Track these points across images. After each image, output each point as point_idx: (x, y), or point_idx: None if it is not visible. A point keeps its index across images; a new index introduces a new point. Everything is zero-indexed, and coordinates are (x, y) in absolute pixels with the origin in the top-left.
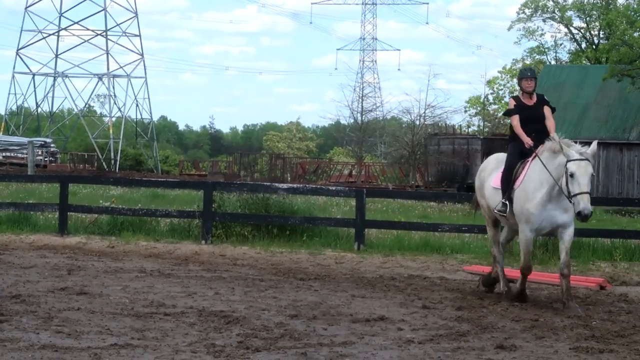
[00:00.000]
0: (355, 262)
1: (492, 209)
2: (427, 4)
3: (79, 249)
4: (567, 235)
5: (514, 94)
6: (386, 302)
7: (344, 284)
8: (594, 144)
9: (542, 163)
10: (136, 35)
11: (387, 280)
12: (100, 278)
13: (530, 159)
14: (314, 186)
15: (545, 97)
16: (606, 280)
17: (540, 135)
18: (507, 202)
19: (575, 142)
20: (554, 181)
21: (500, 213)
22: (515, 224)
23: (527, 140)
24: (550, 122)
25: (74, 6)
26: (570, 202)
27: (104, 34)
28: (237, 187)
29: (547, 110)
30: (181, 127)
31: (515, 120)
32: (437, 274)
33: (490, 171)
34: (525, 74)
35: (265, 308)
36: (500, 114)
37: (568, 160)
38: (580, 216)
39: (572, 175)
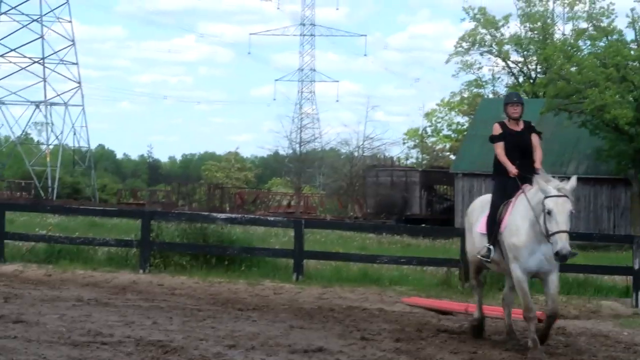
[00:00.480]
0: (293, 293)
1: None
2: (365, 36)
3: (15, 277)
4: (552, 280)
5: (499, 120)
6: (324, 333)
7: (283, 315)
8: (573, 179)
9: (527, 199)
10: (74, 64)
11: (325, 311)
12: (37, 306)
13: (514, 197)
14: (252, 216)
15: (532, 124)
16: (544, 313)
17: (526, 165)
18: (491, 247)
19: (554, 177)
20: (535, 219)
21: (484, 259)
22: (507, 268)
23: (512, 169)
24: (537, 152)
25: (11, 33)
26: (548, 241)
27: (42, 61)
28: (175, 216)
29: (535, 138)
30: (119, 155)
31: (500, 147)
32: (375, 306)
33: (476, 217)
34: (511, 99)
35: (203, 338)
36: (438, 146)
37: (545, 197)
38: (558, 256)
39: (549, 213)
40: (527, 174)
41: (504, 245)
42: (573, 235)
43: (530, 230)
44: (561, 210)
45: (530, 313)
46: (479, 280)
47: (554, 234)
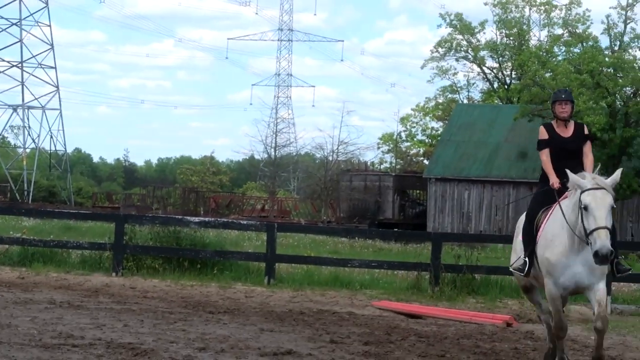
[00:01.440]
0: (265, 296)
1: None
2: (342, 41)
3: None
4: (598, 293)
5: (546, 121)
6: (294, 336)
7: (253, 318)
8: (617, 172)
9: (560, 207)
10: (52, 67)
11: (296, 315)
12: (9, 309)
13: (554, 204)
14: (226, 220)
15: (586, 128)
16: (513, 317)
17: (573, 171)
18: (526, 260)
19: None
20: (571, 229)
21: (518, 272)
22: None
23: (555, 180)
24: (588, 160)
25: None
26: (587, 243)
27: (20, 65)
28: (149, 220)
29: (586, 145)
30: (95, 159)
31: (545, 155)
32: (345, 309)
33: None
34: (559, 96)
35: (174, 341)
36: (412, 151)
37: (582, 192)
38: (598, 257)
39: (585, 208)
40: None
41: (538, 257)
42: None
43: (565, 241)
44: (600, 205)
45: (561, 332)
46: (534, 300)
47: (591, 232)
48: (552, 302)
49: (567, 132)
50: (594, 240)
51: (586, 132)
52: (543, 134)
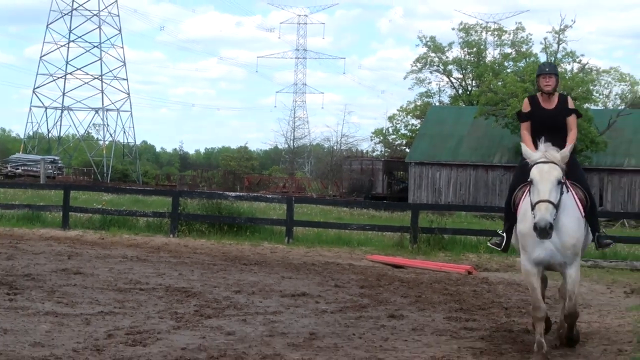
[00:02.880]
0: (285, 252)
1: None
2: (344, 58)
3: (77, 240)
4: (569, 275)
5: (531, 94)
6: (307, 282)
7: (276, 268)
8: (569, 146)
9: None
10: (124, 79)
11: (308, 266)
12: (92, 262)
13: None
14: (255, 194)
15: (571, 100)
16: (472, 267)
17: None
18: (504, 235)
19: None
20: None
21: (495, 247)
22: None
23: (531, 155)
24: (571, 134)
25: (78, 56)
26: (533, 216)
27: (100, 77)
28: (197, 194)
29: (571, 118)
30: (158, 149)
31: (525, 128)
32: (346, 262)
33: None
34: (543, 70)
35: (216, 285)
36: (397, 142)
37: (531, 165)
38: (536, 230)
39: (532, 182)
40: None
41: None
42: (496, 209)
43: None
44: (545, 179)
45: (537, 313)
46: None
47: (534, 205)
48: (527, 279)
49: (551, 104)
50: (535, 213)
51: (571, 105)
52: (525, 106)
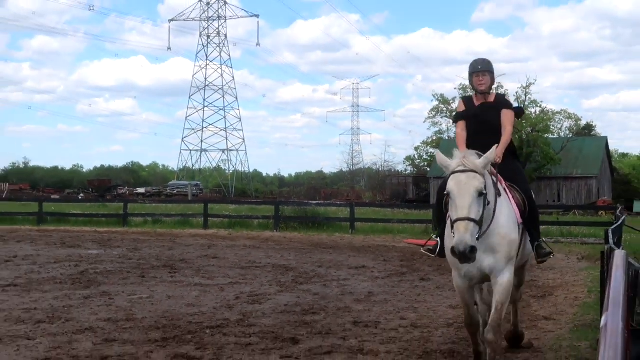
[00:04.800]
0: (350, 239)
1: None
2: (384, 110)
3: (213, 236)
4: (499, 284)
5: (467, 95)
6: (365, 258)
7: (344, 250)
8: (492, 150)
9: None
10: (240, 130)
11: (365, 248)
12: (224, 250)
13: None
14: (329, 202)
15: (507, 98)
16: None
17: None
18: (438, 240)
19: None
20: None
21: (429, 253)
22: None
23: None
24: (506, 133)
25: (210, 116)
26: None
27: (225, 129)
28: (291, 203)
29: (505, 115)
30: (264, 174)
31: (460, 127)
32: (390, 244)
33: None
34: (476, 68)
35: (305, 262)
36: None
37: (448, 175)
38: (454, 254)
39: (449, 195)
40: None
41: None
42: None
43: None
44: (463, 192)
45: (471, 328)
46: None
47: (452, 223)
48: (460, 295)
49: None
50: (454, 233)
51: (508, 101)
52: (460, 107)
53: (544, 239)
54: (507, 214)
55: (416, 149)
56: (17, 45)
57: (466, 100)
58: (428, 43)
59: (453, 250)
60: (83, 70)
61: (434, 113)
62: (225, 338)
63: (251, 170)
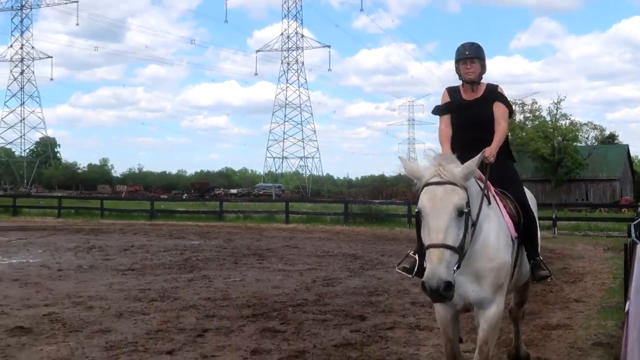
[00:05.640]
0: (407, 232)
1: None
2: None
3: (293, 229)
4: (484, 319)
5: (453, 86)
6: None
7: (403, 241)
8: (478, 156)
9: None
10: (315, 140)
11: None
12: (302, 241)
13: None
14: (390, 200)
15: (500, 89)
16: None
17: (478, 150)
18: (416, 257)
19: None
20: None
21: (405, 272)
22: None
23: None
24: (499, 130)
25: (289, 129)
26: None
27: (302, 140)
28: (358, 201)
29: (499, 108)
30: (335, 177)
31: (443, 123)
32: None
33: None
34: (463, 54)
35: (371, 252)
36: None
37: (420, 188)
38: (426, 291)
39: (420, 214)
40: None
41: None
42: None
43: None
44: (439, 209)
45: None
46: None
47: (424, 250)
48: (441, 326)
49: (474, 95)
50: (426, 263)
51: (500, 93)
52: (444, 98)
53: (540, 260)
54: (496, 230)
55: None
56: (133, 73)
57: (452, 91)
58: None
59: (424, 285)
60: (186, 93)
61: None
62: (304, 315)
63: (324, 174)
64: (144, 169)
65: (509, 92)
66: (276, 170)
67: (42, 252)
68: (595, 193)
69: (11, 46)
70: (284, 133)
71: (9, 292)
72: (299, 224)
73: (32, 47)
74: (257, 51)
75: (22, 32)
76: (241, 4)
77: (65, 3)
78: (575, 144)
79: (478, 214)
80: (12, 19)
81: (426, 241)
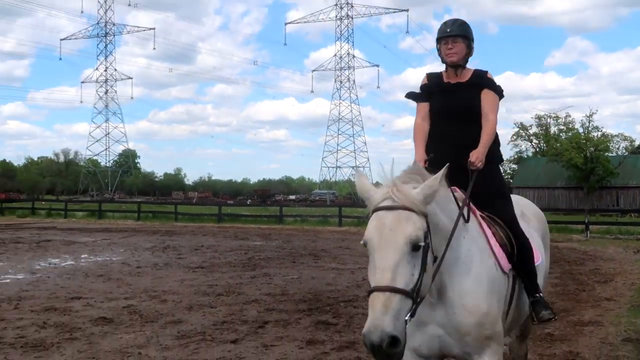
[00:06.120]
0: None
1: None
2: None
3: (346, 232)
4: None
5: (435, 72)
6: None
7: None
8: (442, 171)
9: None
10: (366, 151)
11: None
12: (354, 243)
13: None
14: None
15: (489, 75)
16: None
17: (461, 146)
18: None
19: (431, 172)
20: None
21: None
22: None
23: (420, 157)
24: (487, 125)
25: (342, 142)
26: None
27: (354, 152)
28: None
29: (487, 97)
30: None
31: (419, 115)
32: None
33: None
34: (444, 31)
35: None
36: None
37: (369, 214)
38: (366, 346)
39: (366, 246)
40: (458, 163)
41: None
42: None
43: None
44: (386, 242)
45: None
46: None
47: (368, 293)
48: None
49: (460, 79)
50: (368, 311)
51: (489, 79)
52: (423, 83)
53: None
54: (477, 270)
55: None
56: (203, 91)
57: (432, 76)
58: (510, 83)
59: (363, 340)
60: (250, 109)
61: (515, 137)
62: (355, 310)
63: (374, 182)
64: (213, 177)
65: (544, 107)
66: (330, 179)
67: (123, 251)
68: (625, 199)
69: (97, 69)
70: (338, 145)
71: (94, 287)
72: (351, 227)
73: (115, 70)
74: (313, 70)
75: (106, 57)
76: (298, 28)
77: (144, 30)
78: (606, 153)
79: (447, 247)
80: (97, 45)
81: (371, 281)
